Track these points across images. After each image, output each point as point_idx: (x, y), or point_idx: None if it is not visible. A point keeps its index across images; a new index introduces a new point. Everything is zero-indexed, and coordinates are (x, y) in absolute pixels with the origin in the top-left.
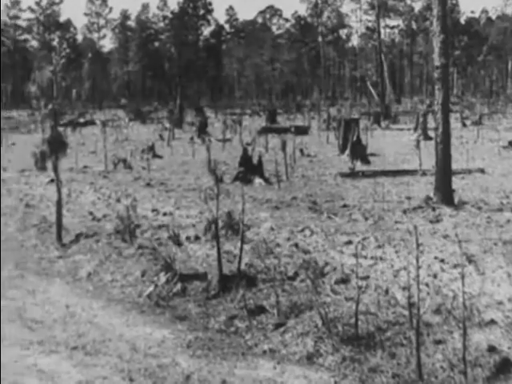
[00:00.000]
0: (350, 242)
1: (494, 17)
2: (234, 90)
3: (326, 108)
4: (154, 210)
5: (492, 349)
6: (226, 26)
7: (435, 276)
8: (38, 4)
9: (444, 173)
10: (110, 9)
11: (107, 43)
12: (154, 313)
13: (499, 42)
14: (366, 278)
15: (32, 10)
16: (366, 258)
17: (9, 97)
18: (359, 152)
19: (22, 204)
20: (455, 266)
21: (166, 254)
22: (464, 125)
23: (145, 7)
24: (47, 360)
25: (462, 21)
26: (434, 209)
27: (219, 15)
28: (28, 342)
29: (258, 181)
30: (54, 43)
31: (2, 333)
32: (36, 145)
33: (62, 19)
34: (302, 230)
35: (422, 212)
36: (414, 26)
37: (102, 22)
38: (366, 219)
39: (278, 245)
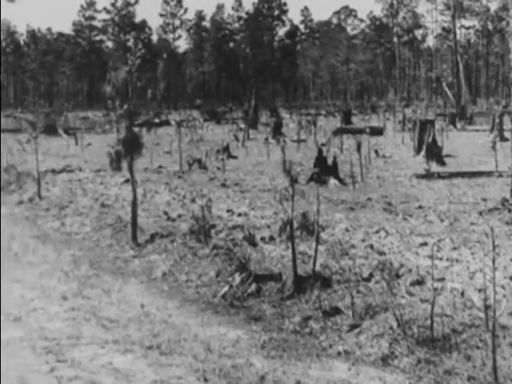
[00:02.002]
0: (425, 244)
1: None
2: (308, 91)
3: (401, 109)
4: (228, 211)
5: None
6: (301, 27)
7: (511, 278)
8: (113, 5)
9: None
10: (185, 9)
11: (182, 44)
12: (229, 313)
13: None
14: (442, 279)
15: (107, 11)
16: (441, 259)
17: (84, 97)
18: (435, 153)
19: (97, 204)
20: None
21: (240, 255)
22: None
23: (220, 8)
24: (122, 359)
25: None
26: (510, 210)
27: (294, 16)
28: (103, 341)
29: (332, 182)
30: (130, 44)
31: (78, 331)
32: (111, 145)
33: (137, 20)
34: (377, 232)
35: (498, 214)
36: (490, 26)
37: (177, 22)
38: (442, 221)
39: (352, 246)
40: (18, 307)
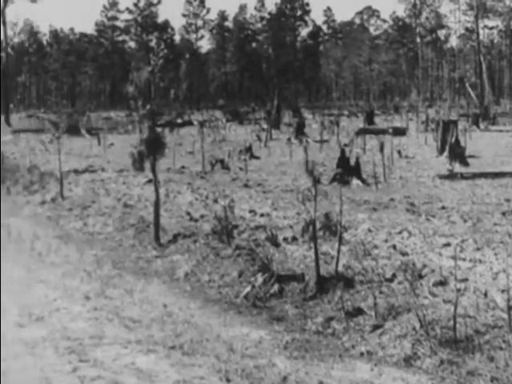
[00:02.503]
0: (448, 244)
1: None
2: (331, 91)
3: (424, 109)
4: (251, 211)
5: None
6: (324, 27)
7: None
8: (135, 5)
9: None
10: (208, 10)
11: (205, 44)
12: (251, 313)
13: None
14: (465, 280)
15: (130, 11)
16: (464, 260)
17: (107, 97)
18: (458, 154)
19: (120, 204)
20: None
21: (263, 255)
22: None
23: (242, 8)
24: (145, 359)
25: None
26: None
27: (317, 16)
28: (126, 341)
29: (355, 182)
30: (152, 44)
31: (101, 331)
32: (134, 145)
33: (159, 20)
34: (400, 232)
35: None
36: None
37: (199, 22)
38: (465, 221)
39: (375, 246)
40: (41, 307)
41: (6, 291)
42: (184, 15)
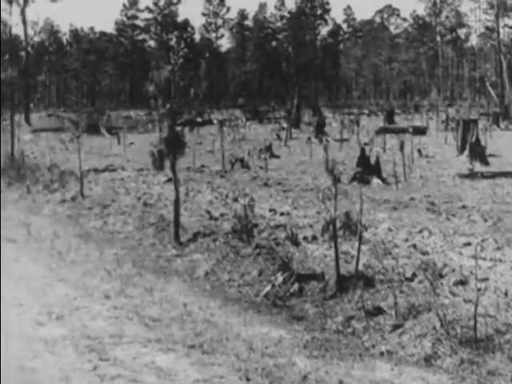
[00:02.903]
0: (468, 244)
1: None
2: (351, 90)
3: (444, 108)
4: (271, 210)
5: None
6: (344, 26)
7: None
8: (155, 4)
9: None
10: (228, 8)
11: (225, 43)
12: (271, 312)
13: None
14: (485, 279)
15: (150, 10)
16: (484, 259)
17: (127, 96)
18: (478, 153)
19: (139, 203)
20: None
21: (283, 254)
22: None
23: (262, 7)
24: (165, 358)
25: None
26: None
27: (337, 15)
28: (146, 340)
29: (375, 181)
30: (172, 43)
31: (121, 330)
32: (154, 144)
33: (179, 19)
34: (420, 231)
35: None
36: None
37: (219, 21)
38: (485, 221)
39: (395, 246)
40: (62, 306)
41: (27, 290)
42: (204, 14)
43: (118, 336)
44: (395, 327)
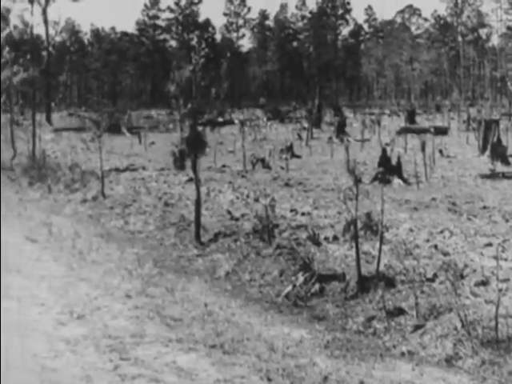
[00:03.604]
0: (490, 244)
1: None
2: (372, 90)
3: (465, 108)
4: (292, 210)
5: None
6: (365, 26)
7: None
8: (177, 4)
9: None
10: (249, 9)
11: (246, 43)
12: (292, 313)
13: None
14: (507, 280)
15: (171, 10)
16: (506, 260)
17: (148, 96)
18: (499, 153)
19: (160, 202)
20: None
21: (304, 254)
22: None
23: (283, 7)
24: (186, 357)
25: None
26: None
27: (358, 15)
28: (167, 340)
29: (396, 181)
30: (193, 43)
31: (142, 329)
32: (175, 144)
33: (200, 19)
34: (442, 232)
35: None
36: None
37: (240, 21)
38: (507, 221)
39: (416, 246)
40: (83, 305)
41: (48, 289)
42: (225, 14)
43: (139, 336)
44: (416, 328)
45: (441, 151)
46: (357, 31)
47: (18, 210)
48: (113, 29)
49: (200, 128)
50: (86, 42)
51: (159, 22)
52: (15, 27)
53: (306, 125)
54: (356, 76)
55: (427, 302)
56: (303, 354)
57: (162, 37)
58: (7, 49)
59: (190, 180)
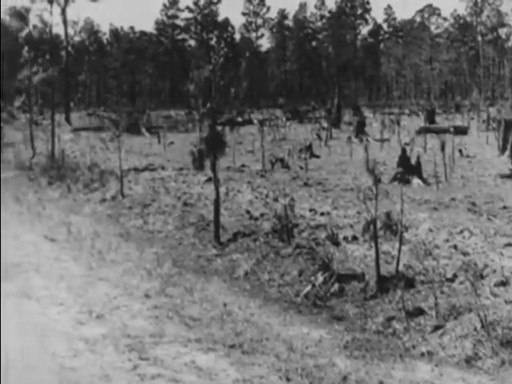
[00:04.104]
0: (509, 244)
1: None
2: (391, 90)
3: (485, 108)
4: (311, 210)
5: None
6: (384, 26)
7: None
8: (196, 4)
9: None
10: (268, 8)
11: (265, 42)
12: (311, 313)
13: None
14: None
15: (190, 10)
16: None
17: (167, 96)
18: None
19: (180, 202)
20: None
21: (323, 254)
22: None
23: (302, 6)
24: (205, 357)
25: None
26: None
27: (377, 14)
28: (186, 340)
29: (416, 181)
30: (212, 43)
31: (161, 329)
32: (194, 144)
33: (219, 19)
34: (461, 232)
35: None
36: None
37: (259, 21)
38: None
39: (436, 246)
40: (102, 305)
41: (67, 289)
42: (244, 14)
43: (158, 335)
44: (436, 328)
45: (460, 151)
46: (376, 31)
47: (37, 210)
48: (132, 28)
49: (219, 128)
50: (104, 41)
51: (178, 22)
52: (34, 27)
53: (325, 125)
54: (375, 76)
55: (447, 302)
56: (322, 354)
57: (180, 36)
58: (26, 48)
59: (209, 180)
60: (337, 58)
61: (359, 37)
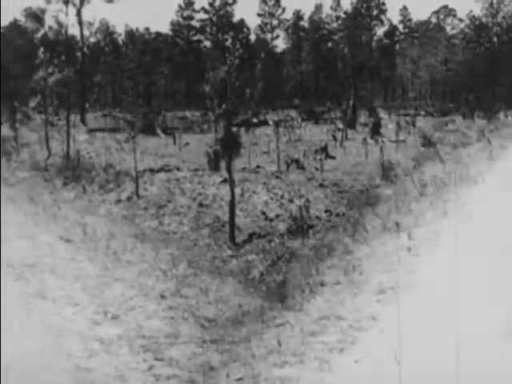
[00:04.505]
0: None
1: None
2: (407, 91)
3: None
4: (326, 211)
5: None
6: (400, 27)
7: None
8: (211, 5)
9: None
10: (283, 9)
11: (280, 43)
12: None
13: None
14: None
15: (205, 11)
16: None
17: (182, 97)
18: None
19: (195, 203)
20: None
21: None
22: None
23: (318, 8)
24: (218, 358)
25: None
26: None
27: (393, 15)
28: (201, 340)
29: None
30: (227, 44)
31: (176, 330)
32: (209, 145)
33: (235, 20)
34: None
35: None
36: None
37: (275, 22)
38: None
39: None
40: (118, 305)
41: (82, 289)
42: (259, 15)
43: (174, 336)
44: None
45: None
46: (392, 32)
47: (53, 210)
48: (147, 29)
49: (234, 129)
50: (120, 42)
51: (193, 23)
52: (50, 28)
53: (340, 125)
54: (391, 76)
55: None
56: None
57: (196, 37)
58: (42, 49)
59: (225, 181)
60: (352, 59)
61: (375, 38)
